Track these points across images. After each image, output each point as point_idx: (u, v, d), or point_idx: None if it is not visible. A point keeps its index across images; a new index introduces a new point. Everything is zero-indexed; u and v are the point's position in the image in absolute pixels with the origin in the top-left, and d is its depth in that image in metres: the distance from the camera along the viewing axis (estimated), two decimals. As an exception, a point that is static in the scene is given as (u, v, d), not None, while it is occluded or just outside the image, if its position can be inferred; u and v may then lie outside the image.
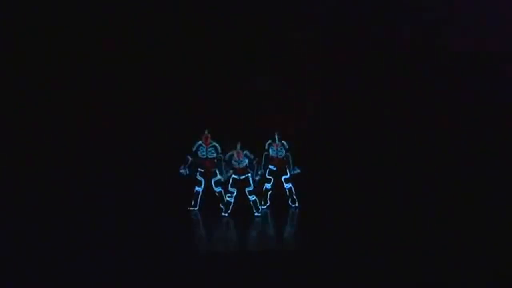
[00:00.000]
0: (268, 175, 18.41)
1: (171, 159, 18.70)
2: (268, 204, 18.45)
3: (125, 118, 23.44)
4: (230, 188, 17.85)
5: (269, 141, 18.35)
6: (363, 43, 25.36)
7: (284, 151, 18.27)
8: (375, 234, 16.62)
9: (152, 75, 25.17)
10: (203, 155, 18.00)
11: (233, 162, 17.75)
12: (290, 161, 18.32)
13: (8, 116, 23.54)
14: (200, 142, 18.03)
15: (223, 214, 17.83)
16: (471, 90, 23.80)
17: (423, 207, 17.96)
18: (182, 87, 24.63)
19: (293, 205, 18.49)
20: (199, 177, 18.13)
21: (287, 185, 18.45)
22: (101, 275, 14.98)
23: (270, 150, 18.33)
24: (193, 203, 18.16)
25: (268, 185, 18.43)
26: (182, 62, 25.12)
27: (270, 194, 18.46)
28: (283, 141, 18.32)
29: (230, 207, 17.80)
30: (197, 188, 18.16)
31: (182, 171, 17.99)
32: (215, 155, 17.99)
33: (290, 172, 18.29)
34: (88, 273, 15.03)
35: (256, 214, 17.86)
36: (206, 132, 18.02)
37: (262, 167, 18.14)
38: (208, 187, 18.13)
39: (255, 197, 17.88)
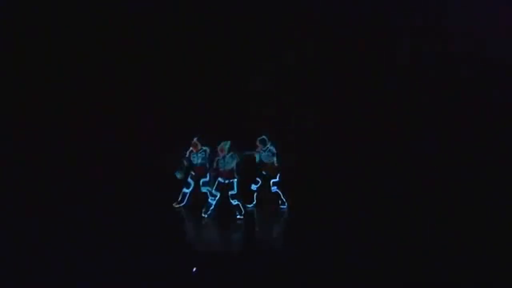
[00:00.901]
0: (258, 177, 18.31)
1: (169, 159, 18.66)
2: (254, 203, 18.34)
3: (124, 118, 23.45)
4: (214, 191, 17.81)
5: (258, 149, 18.12)
6: (363, 43, 25.40)
7: (272, 156, 18.12)
8: (369, 235, 16.61)
9: (151, 75, 25.21)
10: (195, 161, 18.10)
11: (219, 164, 17.67)
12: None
13: (8, 116, 23.58)
14: (190, 148, 18.11)
15: (202, 215, 17.82)
16: (471, 90, 23.84)
17: (421, 207, 17.95)
18: (180, 87, 24.68)
19: (282, 206, 18.39)
20: (189, 179, 18.24)
21: (273, 188, 18.35)
22: (99, 275, 14.99)
23: (261, 156, 18.16)
24: (179, 199, 18.22)
25: (254, 186, 18.38)
26: (181, 62, 25.17)
27: (256, 195, 18.34)
28: (270, 147, 18.13)
29: (211, 209, 17.79)
30: (184, 190, 18.24)
31: (178, 176, 18.04)
32: (204, 161, 18.05)
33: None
34: (86, 273, 15.04)
35: (238, 217, 17.77)
36: (194, 139, 18.06)
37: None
38: (196, 187, 18.18)
39: (237, 202, 17.80)
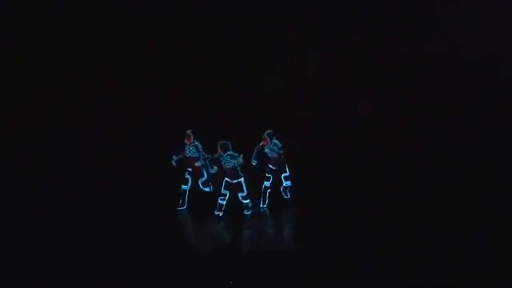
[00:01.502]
0: (268, 173, 18.35)
1: (167, 160, 18.63)
2: (267, 202, 18.34)
3: (123, 118, 23.45)
4: (223, 191, 17.80)
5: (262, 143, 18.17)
6: (363, 44, 25.42)
7: (277, 150, 18.14)
8: (374, 234, 16.59)
9: (151, 75, 25.23)
10: (187, 154, 18.16)
11: (222, 162, 17.70)
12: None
13: (8, 116, 23.59)
14: (185, 141, 18.20)
15: (216, 212, 17.72)
16: (471, 90, 23.85)
17: (423, 207, 17.92)
18: (180, 87, 24.70)
19: (286, 197, 18.40)
20: (186, 176, 18.28)
21: (287, 183, 18.43)
22: (97, 275, 14.99)
23: (267, 150, 18.22)
24: (180, 202, 18.21)
25: (267, 183, 18.35)
26: (182, 62, 25.18)
27: (269, 192, 18.35)
28: (275, 141, 18.16)
29: (222, 208, 17.75)
30: (183, 187, 18.26)
31: (173, 161, 18.15)
32: (196, 154, 18.08)
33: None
34: (85, 273, 15.04)
35: (246, 213, 17.81)
36: (188, 132, 18.15)
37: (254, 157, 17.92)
38: (194, 186, 18.17)
39: (248, 201, 17.81)
